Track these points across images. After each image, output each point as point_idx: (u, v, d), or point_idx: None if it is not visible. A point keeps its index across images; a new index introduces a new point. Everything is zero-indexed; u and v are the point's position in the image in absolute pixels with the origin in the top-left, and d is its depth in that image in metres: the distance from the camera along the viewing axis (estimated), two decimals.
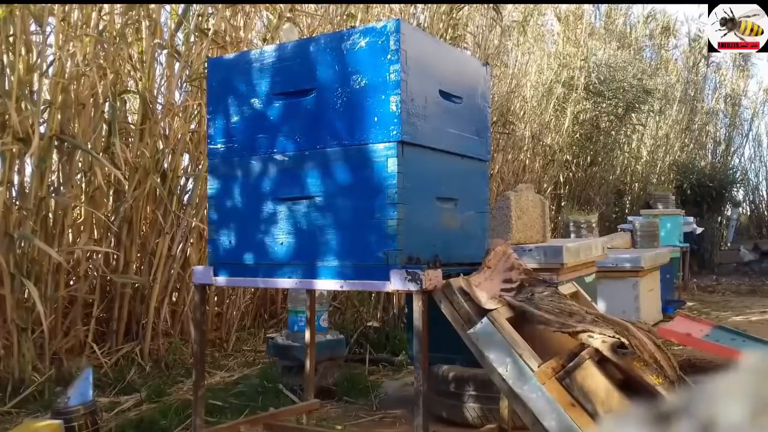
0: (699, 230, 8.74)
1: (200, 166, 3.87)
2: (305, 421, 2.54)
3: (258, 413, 2.60)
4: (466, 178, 2.01)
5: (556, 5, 8.90)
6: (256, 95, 1.96)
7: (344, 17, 4.73)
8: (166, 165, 3.76)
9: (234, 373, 3.61)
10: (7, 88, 3.05)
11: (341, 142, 1.80)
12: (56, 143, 3.31)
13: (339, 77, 1.81)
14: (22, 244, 3.16)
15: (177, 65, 3.86)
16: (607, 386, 1.50)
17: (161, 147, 3.77)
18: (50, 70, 3.36)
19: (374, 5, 5.05)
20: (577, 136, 9.25)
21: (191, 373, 3.14)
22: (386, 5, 5.21)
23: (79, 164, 3.53)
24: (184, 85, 3.97)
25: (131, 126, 3.84)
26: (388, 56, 1.72)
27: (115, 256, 3.68)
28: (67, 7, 3.39)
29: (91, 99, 3.51)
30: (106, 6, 3.58)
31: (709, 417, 0.32)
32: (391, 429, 2.81)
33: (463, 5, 5.51)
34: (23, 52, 3.15)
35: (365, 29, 1.79)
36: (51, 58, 3.36)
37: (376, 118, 1.74)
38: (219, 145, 2.04)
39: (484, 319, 1.64)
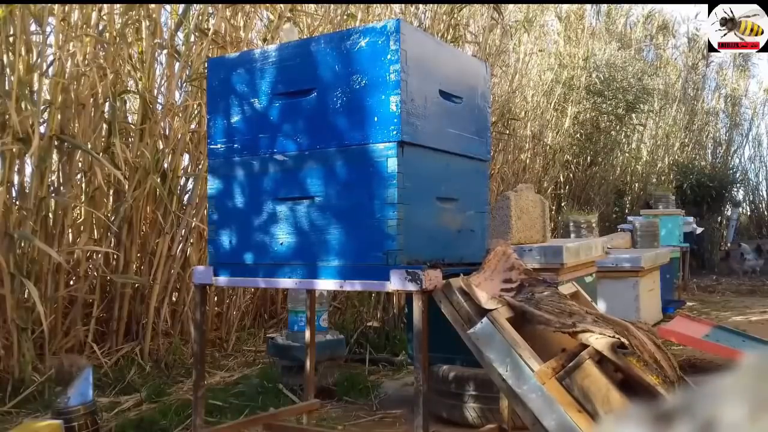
0: (699, 230, 8.74)
1: (200, 166, 3.87)
2: (305, 421, 2.54)
3: (258, 413, 2.60)
4: (466, 178, 2.01)
5: (558, 5, 8.90)
6: (256, 95, 1.96)
7: (344, 17, 4.73)
8: (166, 165, 3.76)
9: (234, 373, 3.61)
10: (7, 88, 3.05)
11: (341, 142, 1.80)
12: (56, 143, 3.31)
13: (339, 77, 1.81)
14: (22, 244, 3.16)
15: (177, 65, 3.86)
16: (607, 386, 1.50)
17: (161, 147, 3.77)
18: (50, 70, 3.36)
19: (374, 5, 5.05)
20: (578, 136, 9.25)
21: (191, 373, 3.14)
22: (387, 5, 5.21)
23: (79, 164, 3.54)
24: (184, 85, 3.97)
25: (131, 126, 3.84)
26: (388, 56, 1.72)
27: (115, 256, 3.68)
28: (67, 7, 3.39)
29: (91, 99, 3.51)
30: (106, 6, 3.58)
31: (709, 417, 0.32)
32: (391, 429, 2.81)
33: (463, 5, 5.51)
34: (23, 52, 3.15)
35: (365, 29, 1.78)
36: (51, 58, 3.36)
37: (376, 118, 1.74)
38: (219, 145, 2.04)
39: (484, 319, 1.64)
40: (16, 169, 3.24)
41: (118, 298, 3.60)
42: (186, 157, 4.05)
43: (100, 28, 3.64)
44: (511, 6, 7.38)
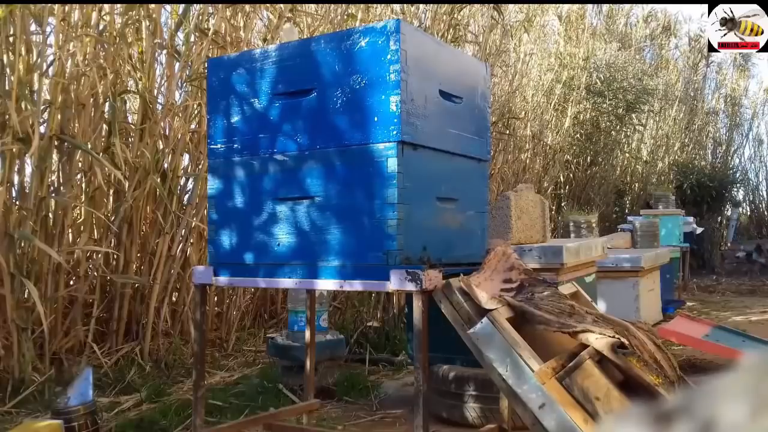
0: (699, 230, 8.73)
1: (200, 166, 3.87)
2: (305, 421, 2.54)
3: (258, 413, 2.60)
4: (466, 178, 2.01)
5: (558, 5, 8.90)
6: (256, 95, 1.96)
7: (344, 17, 4.73)
8: (166, 165, 3.76)
9: (234, 373, 3.61)
10: (7, 88, 3.05)
11: (341, 142, 1.80)
12: (56, 143, 3.31)
13: (339, 77, 1.81)
14: (22, 244, 3.16)
15: (177, 65, 3.86)
16: (607, 386, 1.50)
17: (161, 147, 3.77)
18: (50, 70, 3.36)
19: (375, 5, 5.05)
20: (578, 136, 9.25)
21: (191, 373, 3.14)
22: (387, 5, 5.21)
23: (79, 164, 3.53)
24: (184, 85, 3.97)
25: (131, 126, 3.84)
26: (388, 56, 1.72)
27: (115, 256, 3.68)
28: (67, 7, 3.39)
29: (91, 99, 3.51)
30: (106, 6, 3.58)
31: (709, 417, 0.32)
32: (391, 429, 2.81)
33: (464, 5, 5.51)
34: (23, 52, 3.15)
35: (365, 29, 1.78)
36: (51, 58, 3.36)
37: (376, 118, 1.74)
38: (219, 145, 2.04)
39: (484, 319, 1.64)
40: (16, 169, 3.24)
41: (118, 298, 3.60)
42: (186, 157, 4.05)
43: (100, 28, 3.64)
44: (511, 6, 7.38)
